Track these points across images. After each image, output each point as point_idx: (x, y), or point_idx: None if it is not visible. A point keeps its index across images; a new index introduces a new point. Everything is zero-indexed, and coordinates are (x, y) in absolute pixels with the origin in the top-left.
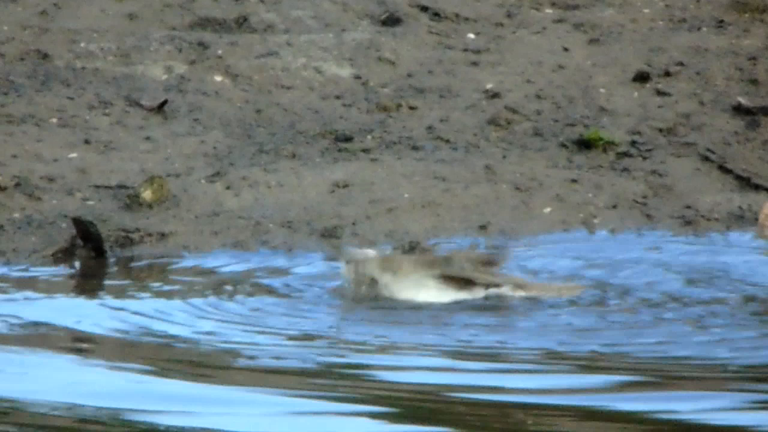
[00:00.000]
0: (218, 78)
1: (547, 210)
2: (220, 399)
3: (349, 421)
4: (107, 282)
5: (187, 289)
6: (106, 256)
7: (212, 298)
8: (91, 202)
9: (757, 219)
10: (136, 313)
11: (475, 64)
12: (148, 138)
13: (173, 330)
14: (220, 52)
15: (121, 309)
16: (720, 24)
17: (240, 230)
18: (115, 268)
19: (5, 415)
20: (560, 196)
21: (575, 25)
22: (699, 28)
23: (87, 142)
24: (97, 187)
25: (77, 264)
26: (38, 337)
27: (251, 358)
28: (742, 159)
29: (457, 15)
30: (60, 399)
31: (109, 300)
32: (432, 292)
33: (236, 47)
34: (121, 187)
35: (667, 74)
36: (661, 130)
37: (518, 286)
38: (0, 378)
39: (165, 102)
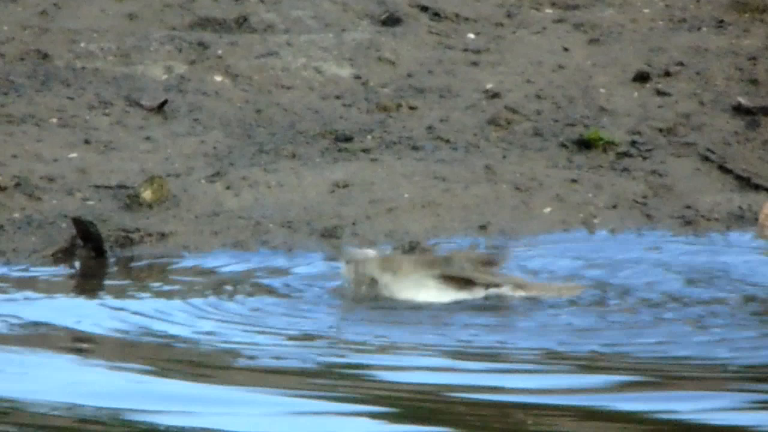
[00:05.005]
0: (218, 78)
1: (547, 210)
2: (220, 399)
3: (349, 421)
4: (107, 282)
5: (187, 289)
6: (106, 256)
7: (212, 298)
8: (91, 202)
9: (757, 219)
10: (136, 313)
11: (475, 64)
12: (148, 138)
13: (173, 330)
14: (220, 52)
15: (121, 309)
16: (720, 24)
17: (240, 230)
18: (115, 268)
19: (5, 415)
20: (560, 196)
21: (575, 25)
22: (699, 28)
23: (87, 142)
24: (97, 187)
25: (77, 264)
26: (38, 337)
27: (251, 358)
28: (742, 159)
29: (457, 15)
30: (60, 399)
31: (109, 300)
32: (432, 292)
33: (236, 47)
34: (121, 187)
35: (667, 74)
36: (661, 130)
37: (518, 286)
38: (0, 378)
39: (165, 102)
